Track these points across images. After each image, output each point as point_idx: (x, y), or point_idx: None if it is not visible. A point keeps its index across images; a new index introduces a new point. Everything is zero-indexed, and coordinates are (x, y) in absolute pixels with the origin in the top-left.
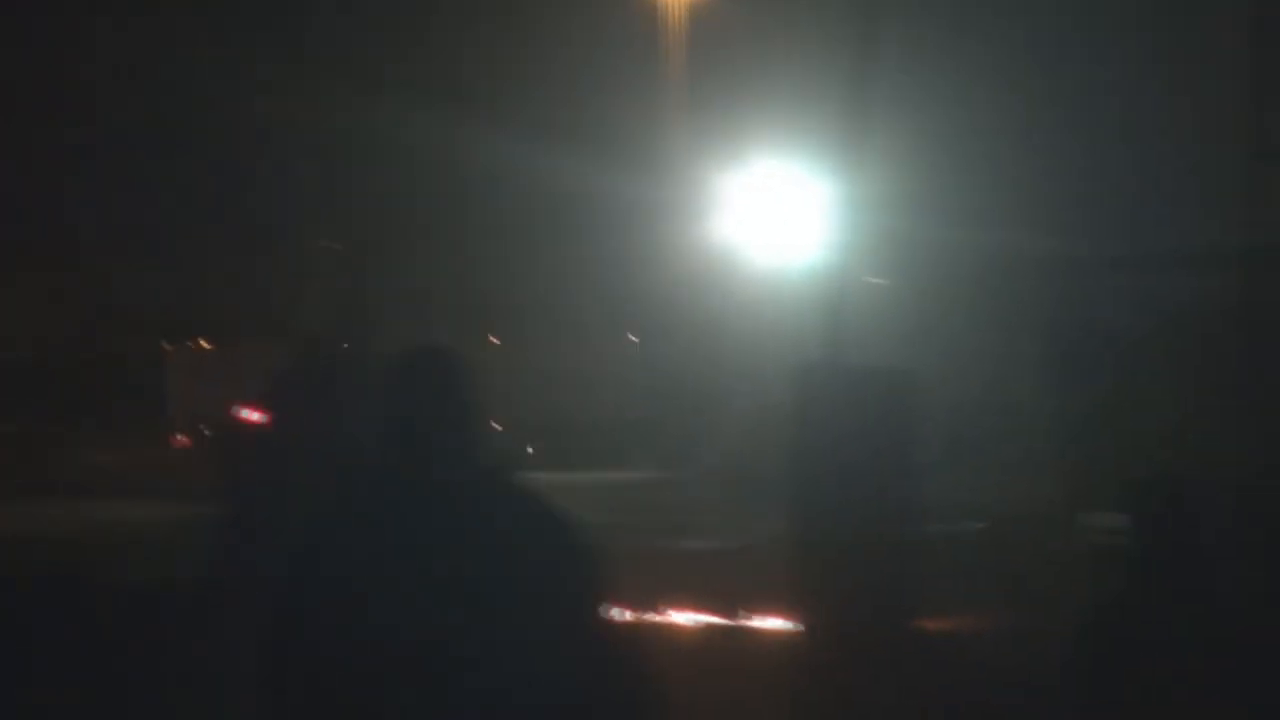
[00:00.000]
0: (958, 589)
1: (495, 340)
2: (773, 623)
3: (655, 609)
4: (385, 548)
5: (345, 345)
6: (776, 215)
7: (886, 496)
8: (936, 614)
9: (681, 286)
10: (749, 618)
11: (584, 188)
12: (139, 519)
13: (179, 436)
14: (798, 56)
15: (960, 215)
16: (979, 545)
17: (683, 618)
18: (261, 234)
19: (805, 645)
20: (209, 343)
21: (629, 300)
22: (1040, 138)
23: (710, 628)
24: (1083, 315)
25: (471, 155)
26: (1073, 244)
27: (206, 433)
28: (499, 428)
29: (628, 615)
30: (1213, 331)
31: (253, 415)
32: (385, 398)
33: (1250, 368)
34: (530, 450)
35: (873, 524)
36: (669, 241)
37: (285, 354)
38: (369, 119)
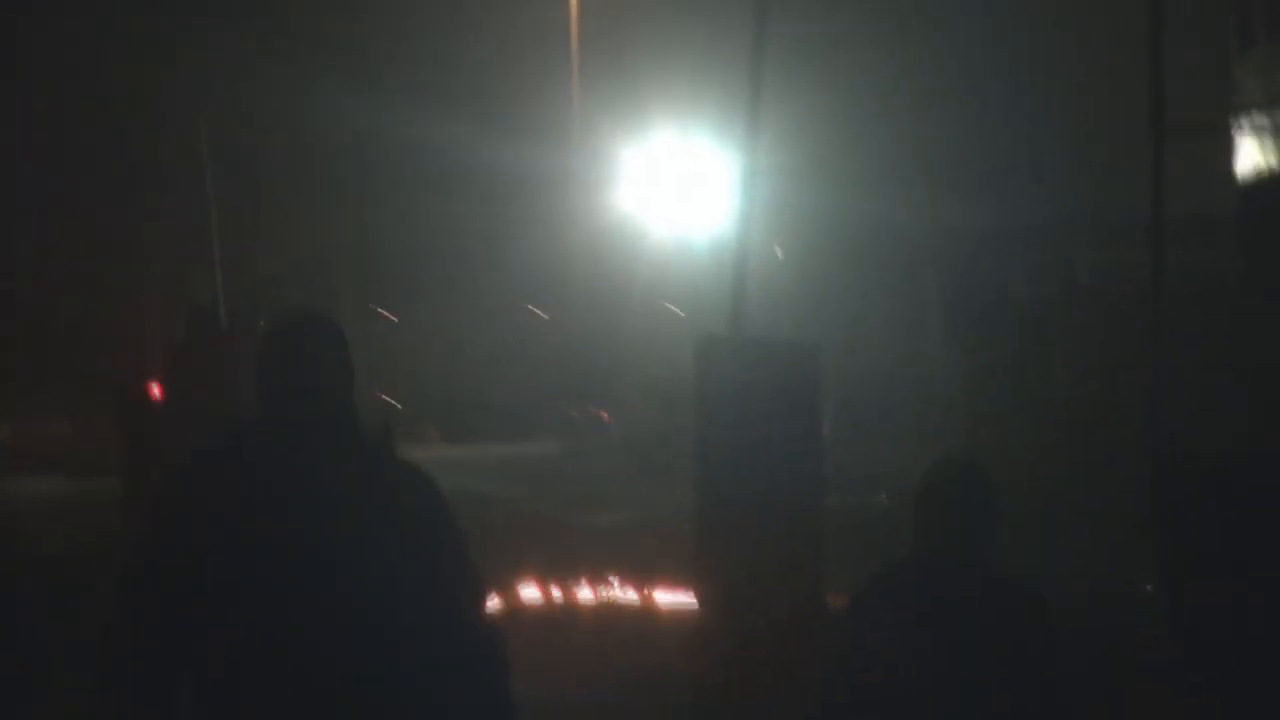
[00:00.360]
0: (864, 562)
1: (390, 314)
2: (676, 597)
3: (558, 583)
4: (254, 515)
5: (235, 317)
6: (678, 186)
7: (792, 470)
8: (842, 588)
9: (584, 258)
10: (652, 592)
11: (484, 159)
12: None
13: None
14: (698, 26)
15: (867, 187)
16: (886, 517)
17: (586, 592)
18: (151, 202)
19: (709, 619)
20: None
21: (531, 272)
22: (947, 109)
23: (613, 602)
24: (989, 286)
25: (368, 124)
26: (980, 215)
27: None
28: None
29: (531, 589)
30: (1118, 304)
31: (154, 388)
32: (260, 363)
33: (1153, 342)
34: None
35: (778, 497)
36: (571, 213)
37: (180, 327)
38: (262, 82)
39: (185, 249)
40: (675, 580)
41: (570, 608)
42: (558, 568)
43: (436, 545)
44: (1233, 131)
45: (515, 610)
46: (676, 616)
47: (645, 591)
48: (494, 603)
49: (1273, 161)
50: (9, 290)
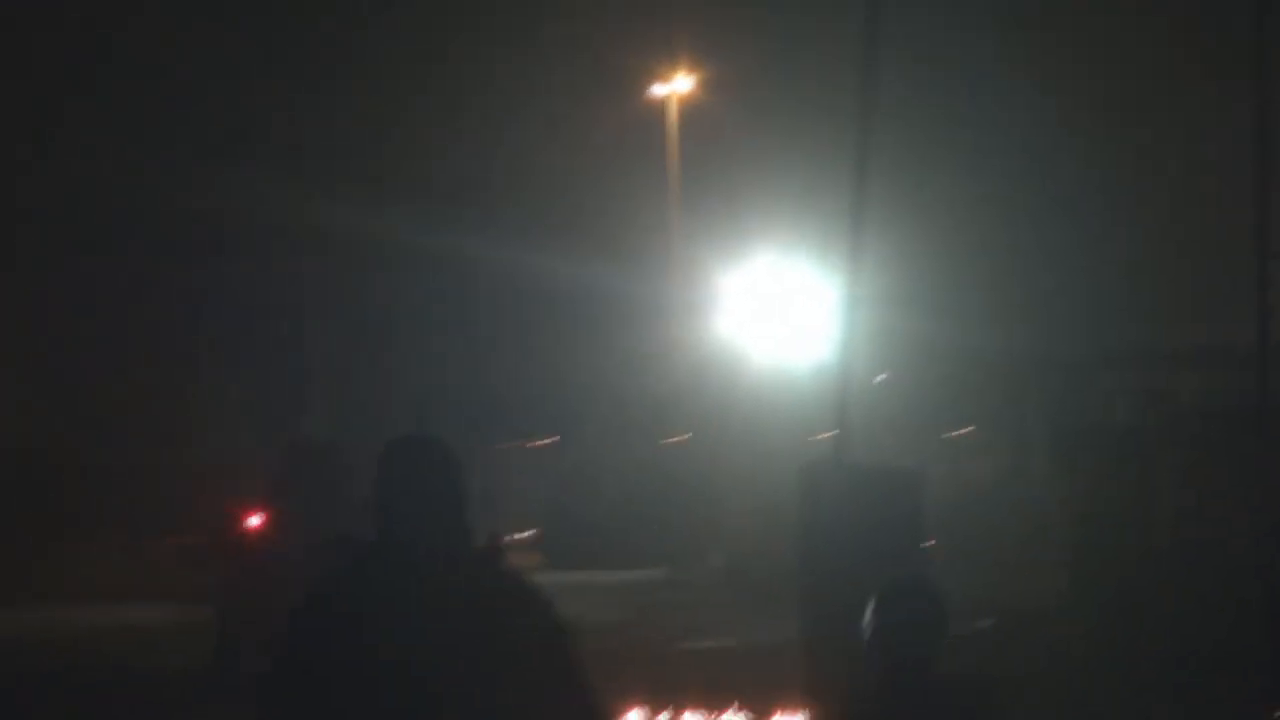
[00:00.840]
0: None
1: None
2: None
3: (664, 710)
4: (371, 631)
5: (333, 446)
6: (780, 312)
7: None
8: None
9: (686, 384)
10: (764, 718)
11: (587, 286)
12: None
13: None
14: (798, 153)
15: (966, 313)
16: (988, 643)
17: (692, 719)
18: (263, 334)
19: None
20: None
21: (635, 399)
22: (1047, 236)
23: None
24: (1087, 413)
25: (471, 254)
26: (1079, 342)
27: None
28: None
29: (637, 715)
30: (1221, 432)
31: (253, 519)
32: (375, 488)
33: (1258, 471)
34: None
35: None
36: (672, 339)
37: (281, 458)
38: (373, 219)
39: (283, 385)
40: (786, 706)
41: None
42: (664, 695)
43: (546, 660)
44: None
45: None
46: None
47: (756, 718)
48: None
49: None
50: (107, 415)
